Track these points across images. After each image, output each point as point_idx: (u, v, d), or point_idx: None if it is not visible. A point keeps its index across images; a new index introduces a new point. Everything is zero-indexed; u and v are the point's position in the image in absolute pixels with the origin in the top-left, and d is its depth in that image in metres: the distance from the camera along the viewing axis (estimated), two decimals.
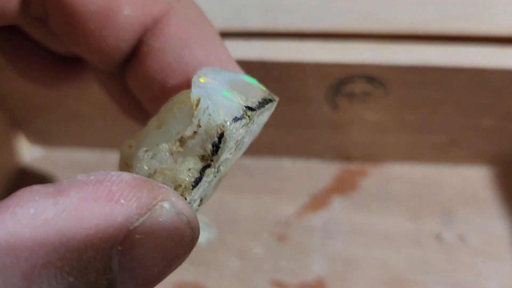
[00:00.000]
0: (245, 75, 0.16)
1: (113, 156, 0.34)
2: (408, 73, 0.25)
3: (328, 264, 0.28)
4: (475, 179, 0.31)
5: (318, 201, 0.31)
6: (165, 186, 0.12)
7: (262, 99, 0.15)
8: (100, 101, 0.30)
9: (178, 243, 0.12)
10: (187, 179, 0.13)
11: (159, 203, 0.11)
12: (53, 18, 0.16)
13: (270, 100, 0.16)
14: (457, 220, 0.29)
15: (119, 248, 0.11)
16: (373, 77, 0.26)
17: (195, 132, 0.14)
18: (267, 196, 0.31)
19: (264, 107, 0.15)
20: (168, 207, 0.12)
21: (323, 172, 0.32)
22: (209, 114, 0.13)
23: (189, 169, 0.14)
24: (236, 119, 0.14)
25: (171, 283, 0.28)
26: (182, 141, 0.14)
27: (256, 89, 0.16)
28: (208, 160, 0.14)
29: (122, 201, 0.11)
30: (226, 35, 0.27)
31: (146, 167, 0.14)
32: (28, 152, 0.35)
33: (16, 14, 0.16)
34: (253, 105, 0.14)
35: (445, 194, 0.30)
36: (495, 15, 0.26)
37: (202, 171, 0.14)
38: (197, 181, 0.14)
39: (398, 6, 0.27)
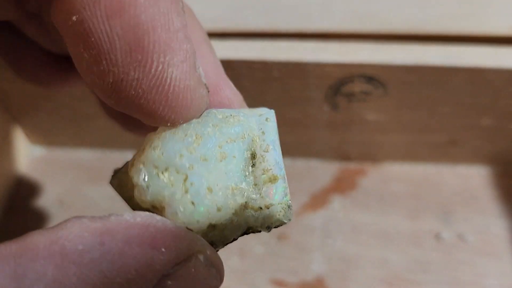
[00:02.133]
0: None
1: (114, 156, 0.34)
2: (407, 73, 0.25)
3: (328, 263, 0.28)
4: (474, 178, 0.31)
5: (318, 201, 0.31)
6: (202, 239, 0.13)
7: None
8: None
9: None
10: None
11: (195, 254, 0.12)
12: (47, 10, 0.16)
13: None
14: (456, 220, 0.29)
15: None
16: (372, 77, 0.26)
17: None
18: None
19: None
20: (202, 260, 0.12)
21: (322, 171, 0.32)
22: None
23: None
24: None
25: None
26: None
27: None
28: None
29: (163, 249, 0.11)
30: (227, 35, 0.27)
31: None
32: (29, 152, 0.35)
33: (12, 8, 0.16)
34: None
35: (444, 194, 0.31)
36: (494, 16, 0.27)
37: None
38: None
39: (397, 6, 0.27)
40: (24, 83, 0.22)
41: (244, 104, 0.18)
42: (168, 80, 0.13)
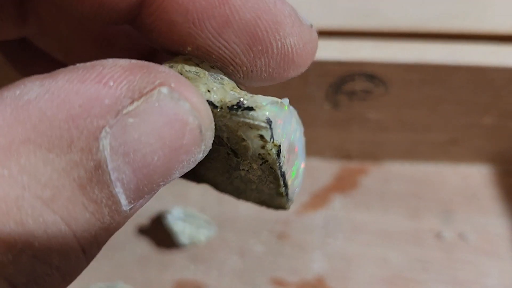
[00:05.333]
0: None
1: None
2: (408, 71, 0.25)
3: (328, 262, 0.28)
4: (475, 177, 0.31)
5: (318, 199, 0.31)
6: (167, 70, 0.12)
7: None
8: None
9: (179, 131, 0.11)
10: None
11: (157, 88, 0.11)
12: None
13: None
14: (457, 219, 0.29)
15: (108, 130, 0.10)
16: (373, 75, 0.26)
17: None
18: None
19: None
20: (166, 92, 0.11)
21: (323, 170, 0.32)
22: None
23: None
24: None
25: (171, 281, 0.28)
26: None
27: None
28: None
29: (112, 83, 0.10)
30: None
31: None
32: None
33: (13, 30, 0.16)
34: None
35: (445, 193, 0.30)
36: (495, 14, 0.26)
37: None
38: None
39: (398, 4, 0.27)
40: None
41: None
42: (290, 48, 0.14)
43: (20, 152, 0.10)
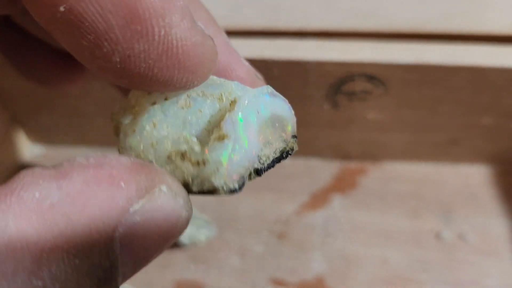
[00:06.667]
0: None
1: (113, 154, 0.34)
2: (408, 71, 0.25)
3: (328, 262, 0.28)
4: (475, 177, 0.31)
5: (318, 200, 0.31)
6: (160, 169, 0.12)
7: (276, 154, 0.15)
8: (100, 100, 0.31)
9: (175, 224, 0.12)
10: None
11: (157, 186, 0.12)
12: None
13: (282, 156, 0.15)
14: (457, 219, 0.29)
15: (121, 230, 0.11)
16: (373, 75, 0.26)
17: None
18: (267, 194, 0.31)
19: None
20: (165, 190, 0.12)
21: (323, 170, 0.32)
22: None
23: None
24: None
25: (171, 281, 0.28)
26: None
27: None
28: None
29: (123, 185, 0.11)
30: (227, 33, 0.27)
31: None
32: (29, 150, 0.35)
33: (6, 4, 0.16)
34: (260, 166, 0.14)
35: (445, 193, 0.31)
36: (495, 14, 0.26)
37: None
38: None
39: (398, 5, 0.27)
40: (25, 82, 0.22)
41: (255, 79, 0.17)
42: (175, 42, 0.13)
43: (50, 260, 0.10)
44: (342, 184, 0.31)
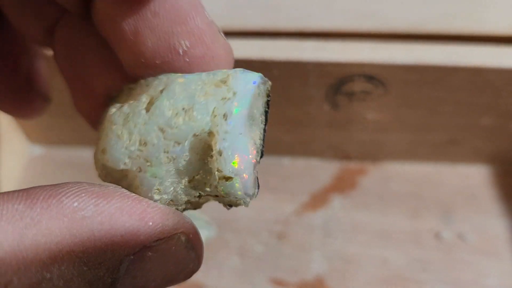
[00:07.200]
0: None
1: None
2: (407, 72, 0.25)
3: (328, 262, 0.28)
4: (474, 178, 0.31)
5: (318, 200, 0.31)
6: (190, 222, 0.14)
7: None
8: None
9: (181, 271, 0.14)
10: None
11: (178, 234, 0.13)
12: None
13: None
14: (456, 219, 0.29)
15: (132, 257, 0.12)
16: (372, 76, 0.26)
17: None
18: (267, 195, 0.31)
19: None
20: (183, 240, 0.13)
21: (323, 170, 0.32)
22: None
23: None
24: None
25: None
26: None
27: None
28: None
29: (150, 223, 0.12)
30: (226, 34, 0.27)
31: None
32: (29, 150, 0.35)
33: None
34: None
35: (445, 193, 0.31)
36: (494, 15, 0.26)
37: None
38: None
39: (397, 5, 0.27)
40: None
41: (218, 35, 0.16)
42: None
43: (64, 260, 0.11)
44: (342, 184, 0.31)
